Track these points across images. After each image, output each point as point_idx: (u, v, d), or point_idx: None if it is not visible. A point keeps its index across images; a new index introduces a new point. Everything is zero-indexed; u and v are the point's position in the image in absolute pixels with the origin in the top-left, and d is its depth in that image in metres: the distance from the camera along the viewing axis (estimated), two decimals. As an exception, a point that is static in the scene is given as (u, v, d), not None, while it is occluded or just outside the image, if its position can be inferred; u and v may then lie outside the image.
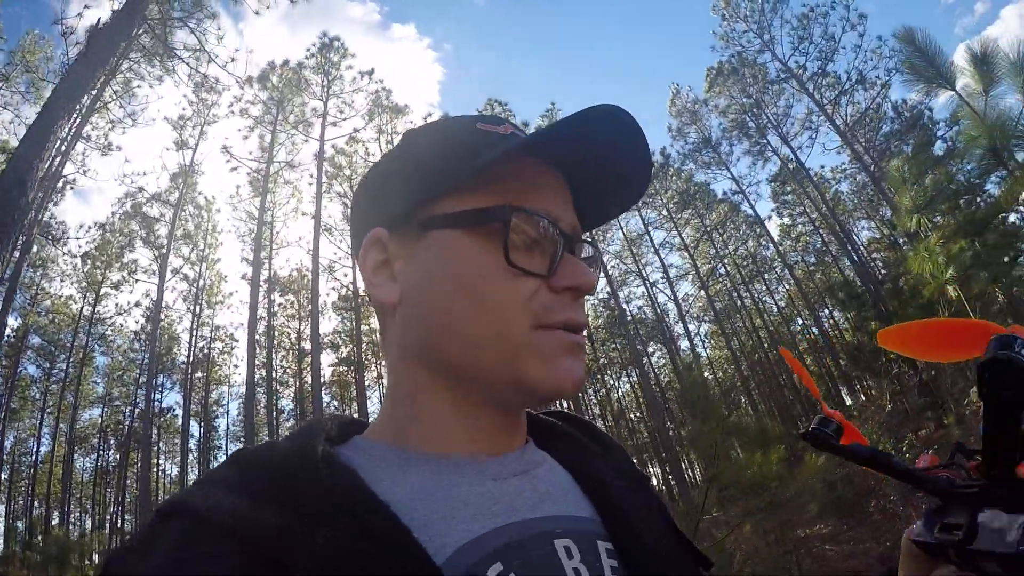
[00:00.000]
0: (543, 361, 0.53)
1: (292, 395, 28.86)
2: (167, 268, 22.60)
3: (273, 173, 22.09)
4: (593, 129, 0.55)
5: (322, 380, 21.90)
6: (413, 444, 0.55)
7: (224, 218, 33.08)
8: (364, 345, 20.93)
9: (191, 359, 27.43)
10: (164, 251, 22.95)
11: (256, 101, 21.76)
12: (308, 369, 22.26)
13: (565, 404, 16.60)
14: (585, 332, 0.58)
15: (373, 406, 21.33)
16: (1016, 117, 6.47)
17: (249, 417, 18.09)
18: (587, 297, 0.59)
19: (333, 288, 24.07)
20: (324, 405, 22.57)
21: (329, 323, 25.25)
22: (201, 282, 27.20)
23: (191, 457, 30.61)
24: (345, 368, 24.33)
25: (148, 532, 0.44)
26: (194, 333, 27.55)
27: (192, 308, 27.28)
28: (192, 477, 30.66)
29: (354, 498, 0.46)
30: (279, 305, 26.45)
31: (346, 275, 22.62)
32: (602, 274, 1.46)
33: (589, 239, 0.63)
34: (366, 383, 21.53)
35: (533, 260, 0.55)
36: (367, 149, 22.73)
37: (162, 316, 23.59)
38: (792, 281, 30.35)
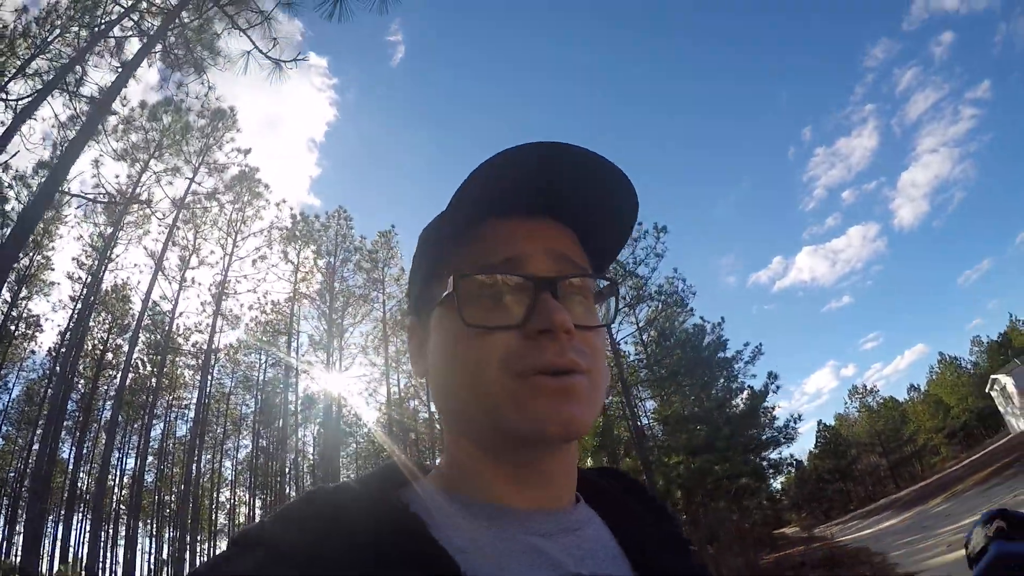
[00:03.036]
0: (516, 407, 0.54)
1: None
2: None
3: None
4: (522, 168, 0.57)
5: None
6: (465, 494, 0.58)
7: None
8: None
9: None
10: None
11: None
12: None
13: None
14: (583, 367, 0.56)
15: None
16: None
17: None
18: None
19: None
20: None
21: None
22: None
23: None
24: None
25: (224, 560, 0.48)
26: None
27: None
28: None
29: (418, 544, 0.49)
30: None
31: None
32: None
33: (591, 273, 0.64)
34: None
35: (498, 314, 0.56)
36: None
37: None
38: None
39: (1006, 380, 41.67)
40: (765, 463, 28.51)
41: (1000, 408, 45.43)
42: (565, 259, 0.60)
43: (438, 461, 0.66)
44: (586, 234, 0.65)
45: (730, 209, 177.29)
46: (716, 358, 36.98)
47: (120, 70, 10.01)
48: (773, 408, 33.72)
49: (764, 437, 27.32)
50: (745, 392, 36.69)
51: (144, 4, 10.76)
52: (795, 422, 28.76)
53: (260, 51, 8.74)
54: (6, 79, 13.72)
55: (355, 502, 0.52)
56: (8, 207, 18.15)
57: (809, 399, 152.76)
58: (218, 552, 0.50)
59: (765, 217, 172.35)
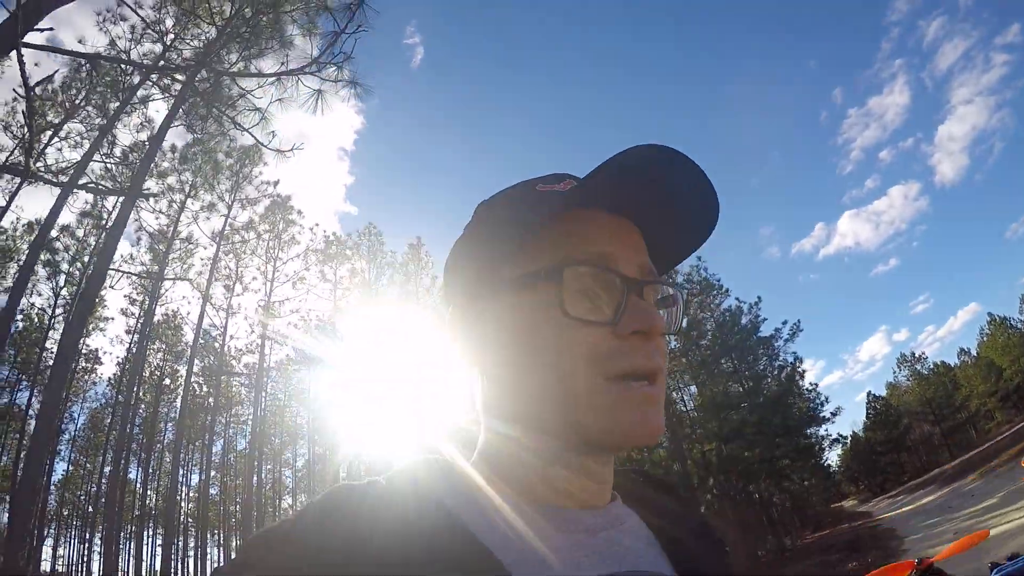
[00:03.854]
0: (605, 412, 0.53)
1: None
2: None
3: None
4: (637, 170, 0.56)
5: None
6: (510, 489, 0.57)
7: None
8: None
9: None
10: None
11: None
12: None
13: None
14: (662, 375, 0.57)
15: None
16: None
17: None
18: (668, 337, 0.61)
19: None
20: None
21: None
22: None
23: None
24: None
25: (247, 559, 0.46)
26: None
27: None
28: None
29: (459, 544, 0.48)
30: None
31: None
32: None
33: (667, 280, 0.64)
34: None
35: (594, 309, 0.55)
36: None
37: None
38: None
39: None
40: (804, 442, 28.67)
41: None
42: (644, 264, 0.60)
43: (474, 458, 0.62)
44: (656, 239, 0.64)
45: (766, 179, 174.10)
46: (752, 339, 36.97)
47: (148, 145, 11.07)
48: (803, 391, 33.73)
49: (791, 422, 27.29)
50: (786, 371, 36.74)
51: (162, 62, 11.73)
52: (823, 403, 28.87)
53: (262, 144, 9.55)
54: (42, 144, 14.87)
55: (390, 501, 0.50)
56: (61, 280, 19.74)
57: (863, 367, 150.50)
58: (241, 550, 0.48)
59: (803, 184, 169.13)
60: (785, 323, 37.86)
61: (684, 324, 0.63)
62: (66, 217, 21.66)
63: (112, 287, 21.81)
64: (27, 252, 16.51)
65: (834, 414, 38.49)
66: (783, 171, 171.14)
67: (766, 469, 24.17)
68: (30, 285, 20.84)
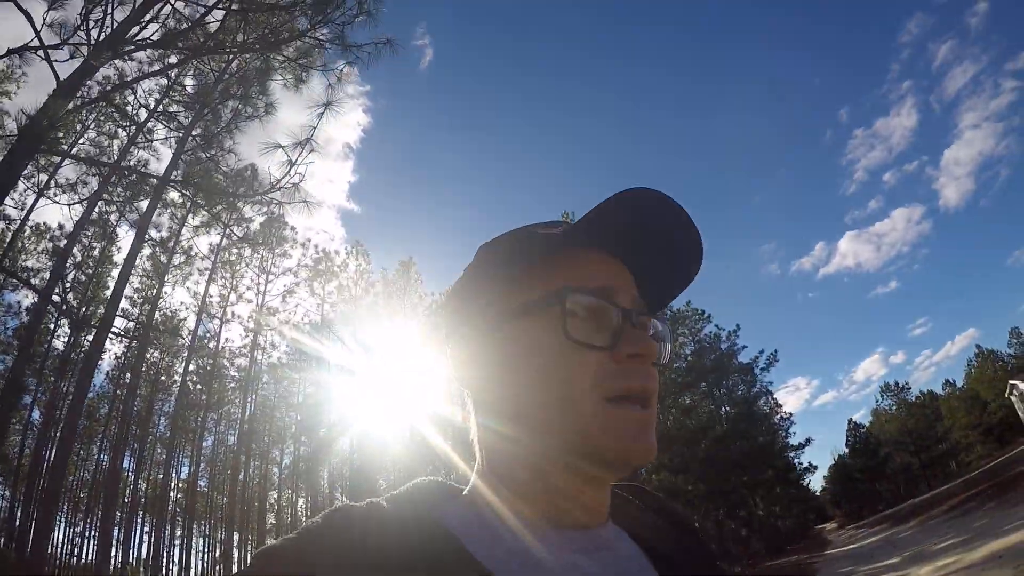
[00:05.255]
0: (607, 432, 0.56)
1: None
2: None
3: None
4: (629, 213, 0.61)
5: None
6: (505, 512, 0.59)
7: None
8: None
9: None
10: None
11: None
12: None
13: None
14: (655, 400, 0.60)
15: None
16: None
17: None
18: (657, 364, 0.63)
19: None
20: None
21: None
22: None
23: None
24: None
25: (254, 570, 0.48)
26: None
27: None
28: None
29: (456, 564, 0.50)
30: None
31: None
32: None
33: (655, 316, 0.67)
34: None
35: (594, 335, 0.59)
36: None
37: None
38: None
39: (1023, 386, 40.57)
40: (768, 472, 29.63)
41: (1020, 414, 44.12)
42: (636, 298, 0.64)
43: (472, 480, 0.65)
44: (644, 281, 0.68)
45: (769, 196, 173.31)
46: (731, 365, 37.86)
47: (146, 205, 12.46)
48: (770, 422, 34.67)
49: (750, 452, 28.06)
50: (748, 401, 37.58)
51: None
52: (789, 431, 29.63)
53: (235, 235, 10.85)
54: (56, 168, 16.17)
55: (390, 523, 0.52)
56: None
57: (858, 388, 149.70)
58: (244, 568, 0.50)
59: (805, 203, 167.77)
60: (762, 352, 38.85)
61: (668, 358, 0.67)
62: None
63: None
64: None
65: (803, 445, 39.61)
66: (786, 189, 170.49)
67: (717, 501, 25.09)
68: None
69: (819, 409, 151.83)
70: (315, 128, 8.00)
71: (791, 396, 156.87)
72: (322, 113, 7.70)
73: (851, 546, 24.26)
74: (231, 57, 10.09)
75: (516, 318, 0.62)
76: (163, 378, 31.78)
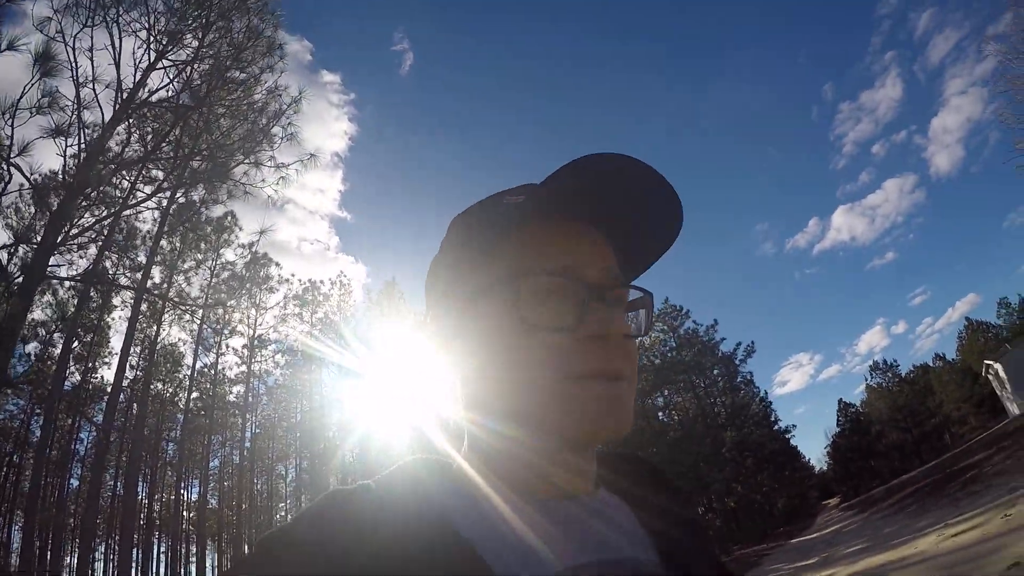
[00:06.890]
0: (571, 411, 0.55)
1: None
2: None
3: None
4: (590, 176, 0.58)
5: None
6: (493, 484, 0.59)
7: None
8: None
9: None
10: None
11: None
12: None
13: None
14: (627, 375, 0.59)
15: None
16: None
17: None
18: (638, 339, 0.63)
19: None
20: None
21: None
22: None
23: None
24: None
25: (251, 564, 0.49)
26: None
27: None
28: None
29: (441, 538, 0.51)
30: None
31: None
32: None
33: (633, 284, 0.65)
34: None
35: (555, 316, 0.57)
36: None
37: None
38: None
39: (997, 366, 41.41)
40: (748, 460, 30.82)
41: (997, 392, 45.04)
42: (610, 268, 0.61)
43: (462, 452, 0.65)
44: (624, 245, 0.66)
45: (759, 176, 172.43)
46: (710, 358, 39.01)
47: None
48: (750, 410, 35.72)
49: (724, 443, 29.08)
50: (741, 392, 38.72)
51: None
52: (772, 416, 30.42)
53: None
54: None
55: (383, 503, 0.53)
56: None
57: (861, 360, 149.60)
58: (246, 555, 0.50)
59: (796, 180, 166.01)
60: (739, 344, 40.02)
61: (648, 327, 0.65)
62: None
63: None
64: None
65: (787, 431, 40.77)
66: (775, 167, 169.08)
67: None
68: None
69: (823, 384, 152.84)
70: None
71: (795, 372, 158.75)
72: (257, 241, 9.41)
73: (814, 535, 24.60)
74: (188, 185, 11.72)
75: (478, 298, 0.62)
76: (169, 408, 33.63)
